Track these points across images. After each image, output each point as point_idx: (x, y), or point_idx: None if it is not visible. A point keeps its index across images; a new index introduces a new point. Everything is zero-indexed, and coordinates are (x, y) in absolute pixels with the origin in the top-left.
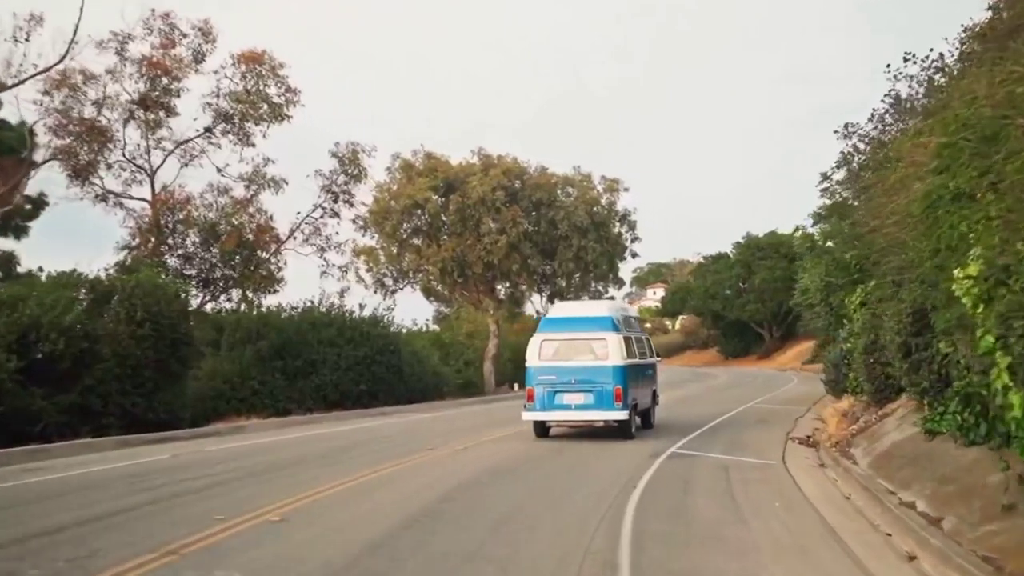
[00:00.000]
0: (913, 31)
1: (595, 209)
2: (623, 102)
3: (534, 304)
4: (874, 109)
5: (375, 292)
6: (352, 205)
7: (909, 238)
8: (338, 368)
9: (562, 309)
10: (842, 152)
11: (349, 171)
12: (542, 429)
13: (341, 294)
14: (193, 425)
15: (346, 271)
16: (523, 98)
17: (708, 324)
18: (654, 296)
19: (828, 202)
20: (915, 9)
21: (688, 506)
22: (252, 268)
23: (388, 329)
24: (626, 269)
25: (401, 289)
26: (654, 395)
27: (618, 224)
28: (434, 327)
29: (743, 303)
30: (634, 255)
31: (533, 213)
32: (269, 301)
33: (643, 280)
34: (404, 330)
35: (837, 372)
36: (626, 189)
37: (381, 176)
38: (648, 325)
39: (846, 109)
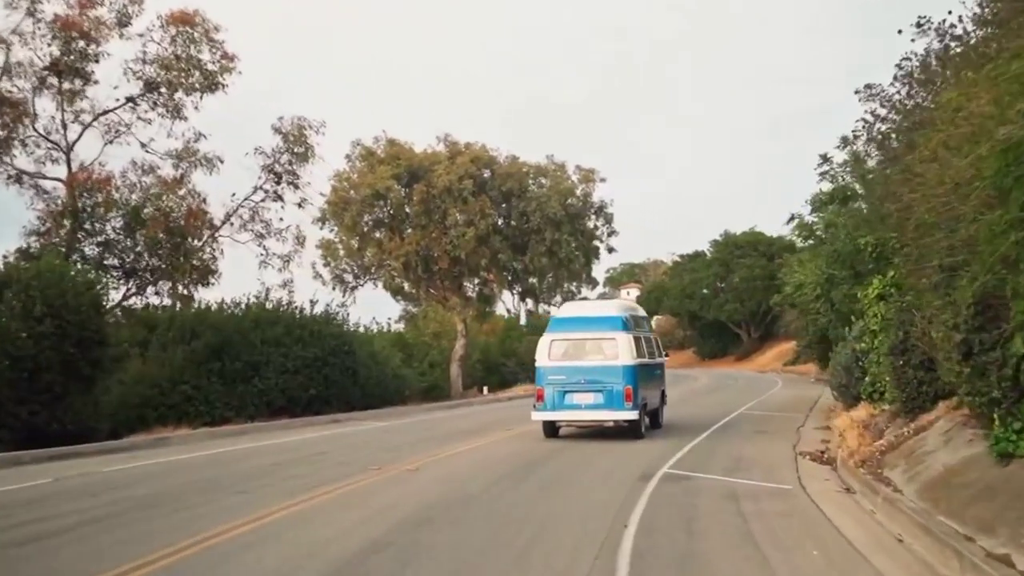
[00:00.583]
0: (886, 33)
1: (569, 201)
2: (593, 105)
3: (505, 303)
4: (899, 67)
5: (334, 288)
6: (298, 187)
7: (970, 209)
8: (285, 371)
9: (572, 309)
10: (864, 118)
11: (294, 149)
12: (552, 429)
13: (284, 287)
14: (112, 437)
15: (288, 261)
16: (489, 105)
17: (685, 324)
18: (628, 297)
19: (828, 187)
20: (888, 11)
21: (698, 556)
22: (181, 258)
23: (342, 328)
24: (599, 269)
25: (362, 286)
26: (662, 395)
27: (594, 217)
28: (398, 327)
29: (721, 303)
30: (611, 250)
31: (503, 205)
32: (206, 296)
33: (616, 280)
34: (362, 329)
35: (848, 376)
36: (602, 179)
37: (340, 164)
38: None
39: (820, 112)
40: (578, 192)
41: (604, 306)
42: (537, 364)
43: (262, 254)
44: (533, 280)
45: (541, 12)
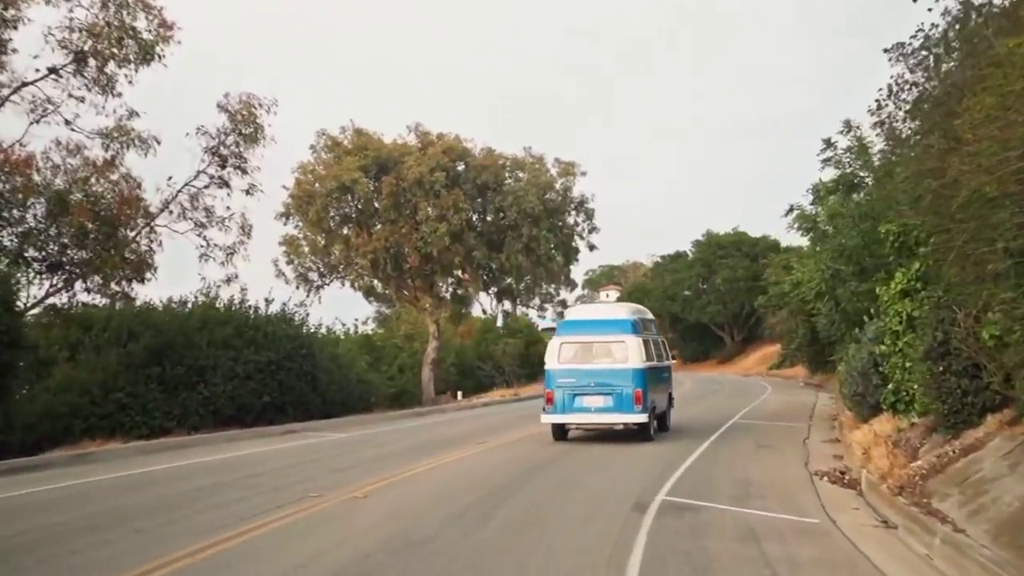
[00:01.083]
0: (863, 36)
1: (548, 196)
2: (569, 106)
3: (482, 304)
4: (929, 29)
5: (298, 287)
6: (246, 172)
7: None
8: (234, 376)
9: (581, 311)
10: (891, 84)
11: (242, 130)
12: (561, 432)
13: (228, 282)
14: (29, 452)
15: (232, 253)
16: (470, 102)
17: (666, 327)
18: (607, 299)
19: (831, 175)
20: (863, 15)
21: None
22: (111, 250)
23: (301, 329)
24: (579, 270)
25: (327, 285)
26: (670, 397)
27: (574, 212)
28: (365, 328)
29: (703, 304)
30: (592, 247)
31: (478, 199)
32: (146, 293)
33: (595, 282)
34: (324, 330)
35: (865, 383)
36: (583, 173)
37: (304, 156)
38: None
39: (795, 116)
40: (557, 186)
41: (614, 309)
42: (547, 367)
43: (202, 245)
44: (510, 280)
45: (515, 12)
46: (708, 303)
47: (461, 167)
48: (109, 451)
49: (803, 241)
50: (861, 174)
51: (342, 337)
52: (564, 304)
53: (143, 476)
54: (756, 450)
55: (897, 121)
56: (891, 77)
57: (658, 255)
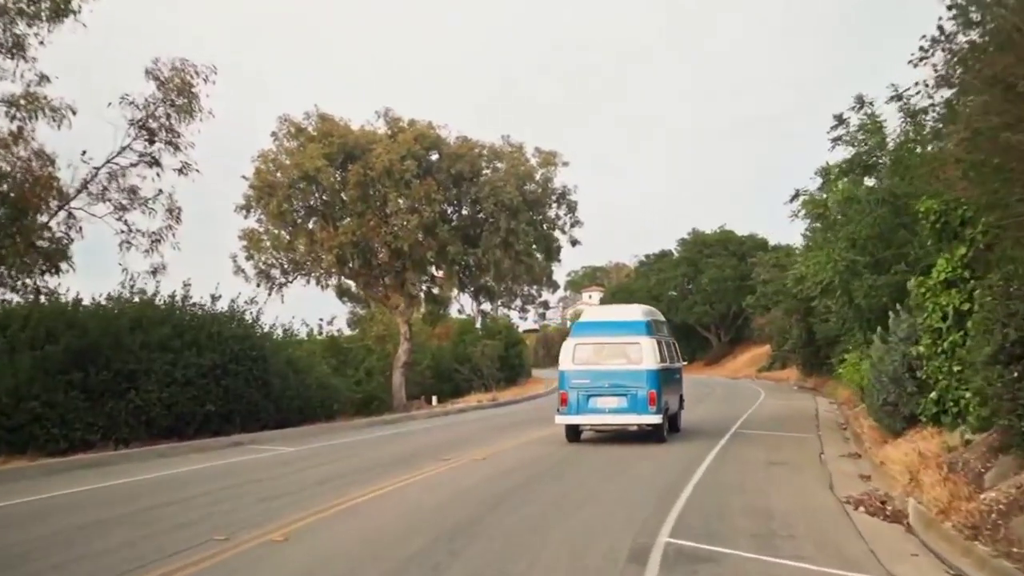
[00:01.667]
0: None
1: (528, 187)
2: (553, 107)
3: (460, 302)
4: None
5: (258, 286)
6: (179, 149)
7: None
8: (172, 382)
9: (595, 313)
10: (939, 27)
11: (174, 100)
12: (574, 433)
13: (153, 274)
14: None
15: (159, 240)
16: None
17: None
18: (590, 300)
19: (845, 155)
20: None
21: None
22: (15, 236)
23: (252, 329)
24: (561, 272)
25: (291, 282)
26: (680, 399)
27: (555, 205)
28: (331, 329)
29: (689, 305)
30: (575, 242)
31: (452, 190)
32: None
33: (578, 284)
34: (281, 331)
35: (897, 391)
36: (564, 164)
37: (266, 144)
38: None
39: (770, 119)
40: (537, 177)
41: (628, 310)
42: (560, 368)
43: (123, 231)
44: (488, 277)
45: (492, 15)
46: (694, 303)
47: (435, 157)
48: (10, 471)
49: (796, 238)
50: (878, 153)
51: (305, 339)
52: (546, 305)
53: (25, 507)
54: (768, 468)
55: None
56: (940, 18)
57: (642, 255)
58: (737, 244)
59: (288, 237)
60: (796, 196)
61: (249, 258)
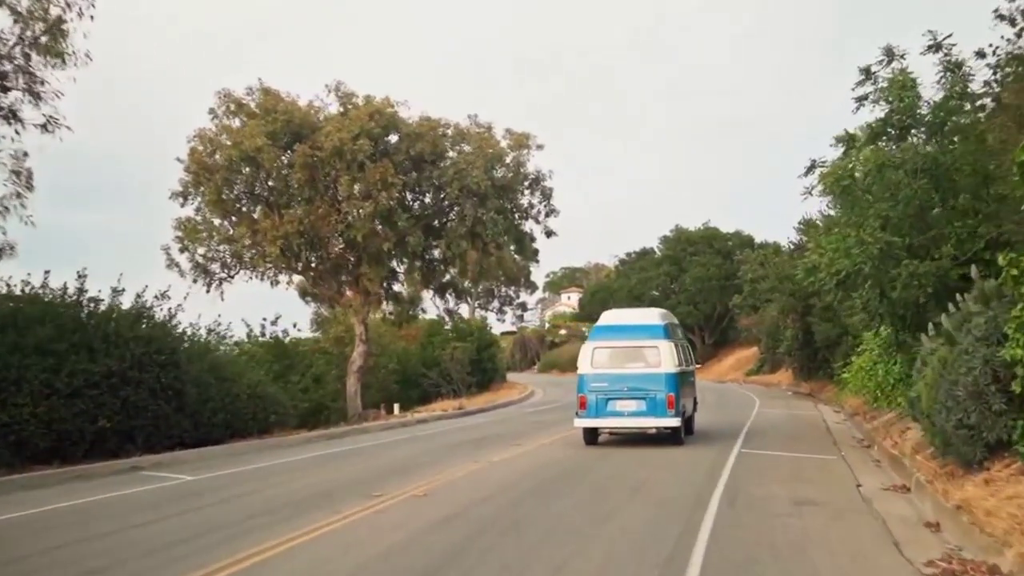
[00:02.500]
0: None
1: (497, 172)
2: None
3: (437, 305)
4: None
5: (195, 281)
6: (40, 99)
7: None
8: (52, 393)
9: (613, 317)
10: None
11: (38, 38)
12: (592, 436)
13: None
14: None
15: (3, 211)
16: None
17: None
18: (568, 301)
19: (879, 111)
20: (819, 23)
21: None
22: None
23: (164, 328)
24: (539, 273)
25: (232, 278)
26: (695, 402)
27: (528, 192)
28: (276, 330)
29: (672, 305)
30: (549, 233)
31: (412, 173)
32: None
33: (557, 285)
34: (205, 332)
35: (978, 407)
36: (539, 146)
37: (204, 122)
38: (563, 332)
39: (744, 120)
40: (508, 160)
41: (646, 314)
42: (579, 371)
43: None
44: (452, 273)
45: (468, 17)
46: (678, 304)
47: (394, 138)
48: None
49: (783, 235)
50: (916, 113)
51: (246, 340)
52: (524, 307)
53: None
54: (799, 511)
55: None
56: None
57: (622, 254)
58: (722, 242)
59: (231, 227)
60: (812, 168)
61: (184, 250)
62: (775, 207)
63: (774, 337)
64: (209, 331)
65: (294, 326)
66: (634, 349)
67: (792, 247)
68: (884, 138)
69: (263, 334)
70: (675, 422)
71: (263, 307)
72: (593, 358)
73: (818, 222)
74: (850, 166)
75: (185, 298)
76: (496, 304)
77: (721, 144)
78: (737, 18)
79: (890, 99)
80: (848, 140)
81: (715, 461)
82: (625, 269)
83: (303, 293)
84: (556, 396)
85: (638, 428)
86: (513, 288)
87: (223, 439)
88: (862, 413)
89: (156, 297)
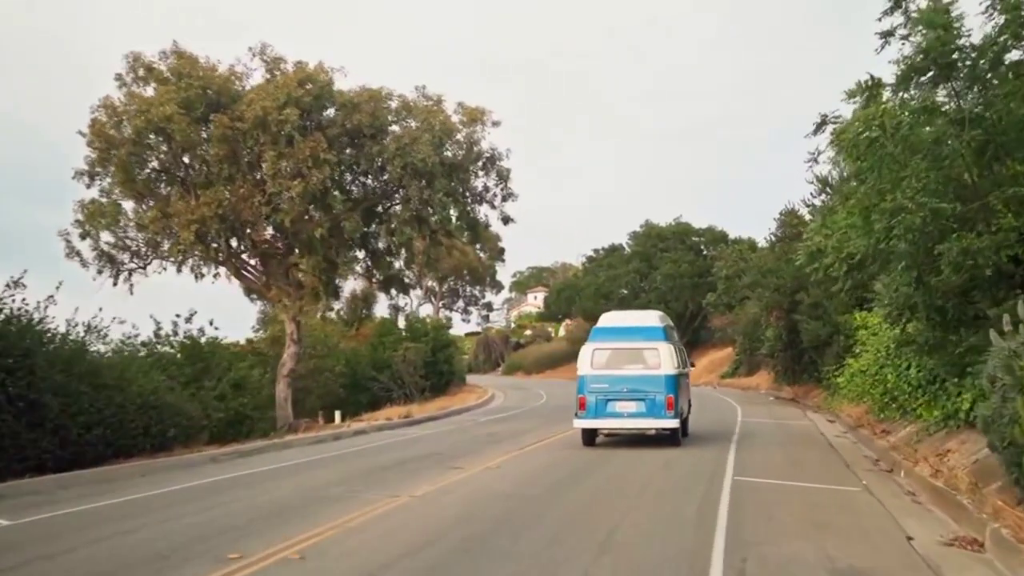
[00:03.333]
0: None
1: (448, 150)
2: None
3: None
4: None
5: (100, 272)
6: None
7: None
8: None
9: (613, 319)
10: None
11: None
12: (590, 437)
13: None
14: None
15: None
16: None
17: None
18: (535, 301)
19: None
20: (792, 25)
21: None
22: None
23: (8, 326)
24: (505, 273)
25: (144, 268)
26: (689, 403)
27: (482, 172)
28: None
29: (643, 304)
30: (506, 220)
31: (349, 149)
32: None
33: (523, 285)
34: (80, 329)
35: None
36: (495, 123)
37: (110, 90)
38: (528, 332)
39: (717, 120)
40: (460, 137)
41: (645, 316)
42: (579, 373)
43: None
44: (399, 263)
45: (456, 31)
46: (648, 302)
47: (331, 112)
48: None
49: (759, 231)
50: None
51: (153, 341)
52: (490, 307)
53: None
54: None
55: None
56: None
57: (592, 249)
58: (694, 237)
59: (144, 209)
60: (822, 125)
61: (85, 236)
62: (748, 204)
63: (752, 337)
64: (88, 329)
65: (210, 323)
66: (634, 351)
67: (775, 239)
68: (923, 77)
69: (175, 333)
70: (674, 423)
71: (209, 306)
72: (592, 359)
73: (817, 201)
74: (879, 113)
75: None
76: (461, 304)
77: (693, 143)
78: (706, 20)
79: (931, 26)
80: (870, 87)
81: (706, 496)
82: (593, 267)
83: (248, 290)
84: (516, 402)
85: (637, 429)
86: (479, 288)
87: (104, 459)
88: (867, 425)
89: (7, 286)
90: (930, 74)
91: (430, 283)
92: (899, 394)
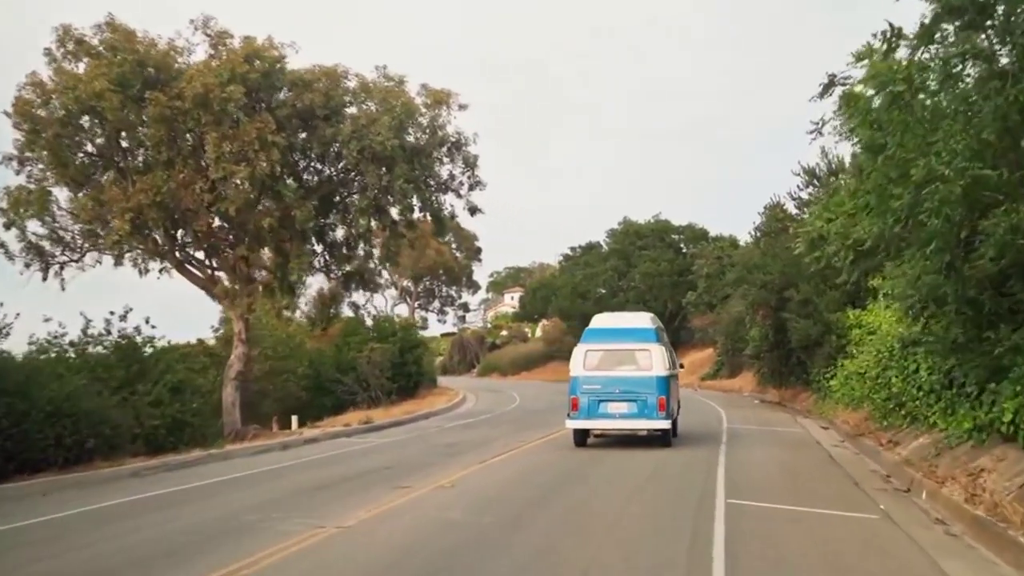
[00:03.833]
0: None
1: (408, 134)
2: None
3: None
4: None
5: (28, 265)
6: None
7: None
8: None
9: (605, 320)
10: None
11: None
12: (582, 437)
13: None
14: None
15: None
16: None
17: (577, 329)
18: (512, 301)
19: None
20: (778, 28)
21: None
22: None
23: None
24: (482, 273)
25: (77, 261)
26: (679, 404)
27: (447, 159)
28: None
29: (620, 303)
30: (474, 211)
31: (301, 133)
32: None
33: (500, 285)
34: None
35: None
36: (462, 106)
37: (38, 66)
38: (504, 333)
39: (699, 120)
40: (424, 120)
41: (637, 318)
42: (572, 374)
43: None
44: (356, 256)
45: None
46: (626, 301)
47: (283, 95)
48: None
49: (740, 229)
50: None
51: (84, 341)
52: (466, 307)
53: None
54: None
55: None
56: None
57: (568, 247)
58: (674, 235)
59: (86, 200)
60: (830, 87)
61: (9, 226)
62: (727, 203)
63: (734, 337)
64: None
65: (146, 321)
66: (626, 352)
67: (759, 234)
68: (953, 25)
69: (107, 332)
70: (665, 424)
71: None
72: (585, 360)
73: (804, 194)
74: (905, 67)
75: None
76: (437, 304)
77: (673, 143)
78: (687, 23)
79: None
80: (890, 39)
81: (696, 528)
82: (569, 265)
83: (197, 286)
84: (487, 405)
85: (629, 430)
86: (455, 288)
87: (3, 475)
88: (869, 434)
89: None
90: (965, 18)
91: (405, 283)
92: (907, 399)
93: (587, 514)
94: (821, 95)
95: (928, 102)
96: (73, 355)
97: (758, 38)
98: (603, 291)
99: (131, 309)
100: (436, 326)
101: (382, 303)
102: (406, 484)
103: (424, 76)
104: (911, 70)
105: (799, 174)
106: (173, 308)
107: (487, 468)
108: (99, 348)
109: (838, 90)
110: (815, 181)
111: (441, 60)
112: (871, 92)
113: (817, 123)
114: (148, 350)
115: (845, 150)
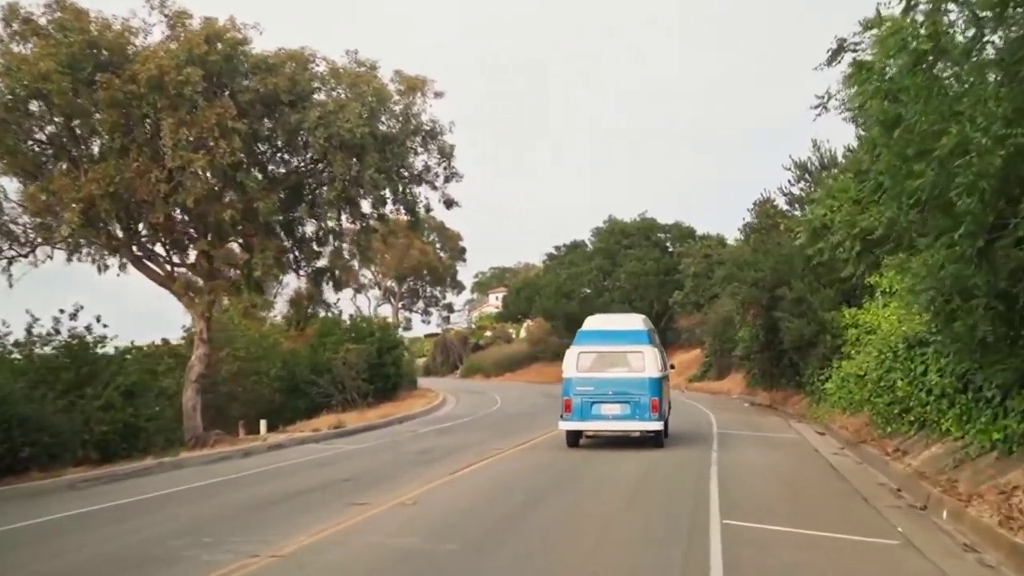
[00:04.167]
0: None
1: (380, 122)
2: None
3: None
4: None
5: None
6: None
7: None
8: None
9: (598, 322)
10: None
11: None
12: (575, 438)
13: None
14: None
15: None
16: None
17: (561, 330)
18: (496, 302)
19: None
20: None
21: None
22: None
23: None
24: (467, 273)
25: (27, 255)
26: (670, 405)
27: (422, 148)
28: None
29: (606, 303)
30: (450, 204)
31: (264, 119)
32: None
33: (485, 285)
34: None
35: None
36: (438, 94)
37: None
38: (488, 333)
39: (685, 121)
40: (397, 108)
41: (630, 320)
42: (564, 375)
43: None
44: (325, 252)
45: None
46: (611, 301)
47: (248, 82)
48: None
49: (728, 228)
50: None
51: (30, 340)
52: (450, 308)
53: None
54: None
55: None
56: None
57: (553, 246)
58: (660, 233)
59: (35, 191)
60: (838, 53)
61: None
62: (714, 202)
63: (723, 338)
64: None
65: (97, 320)
66: (619, 354)
67: (749, 230)
68: None
69: (56, 331)
70: (657, 425)
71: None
72: (578, 362)
73: (796, 189)
74: (929, 23)
75: None
76: (421, 305)
77: (662, 142)
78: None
79: None
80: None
81: (687, 557)
82: (553, 264)
83: (181, 288)
84: (468, 408)
85: (622, 431)
86: (439, 288)
87: None
88: (871, 441)
89: None
90: None
91: (389, 283)
92: (914, 404)
93: (565, 540)
94: (829, 62)
95: (955, 67)
96: (19, 356)
97: (750, 39)
98: (588, 291)
99: (81, 307)
100: (420, 327)
101: (365, 304)
102: (364, 500)
103: (431, 75)
104: (937, 26)
105: (790, 168)
106: (155, 309)
107: (457, 479)
108: (47, 348)
109: (847, 58)
110: (807, 176)
111: (441, 60)
112: (887, 58)
113: (822, 97)
114: (103, 350)
115: (839, 142)
